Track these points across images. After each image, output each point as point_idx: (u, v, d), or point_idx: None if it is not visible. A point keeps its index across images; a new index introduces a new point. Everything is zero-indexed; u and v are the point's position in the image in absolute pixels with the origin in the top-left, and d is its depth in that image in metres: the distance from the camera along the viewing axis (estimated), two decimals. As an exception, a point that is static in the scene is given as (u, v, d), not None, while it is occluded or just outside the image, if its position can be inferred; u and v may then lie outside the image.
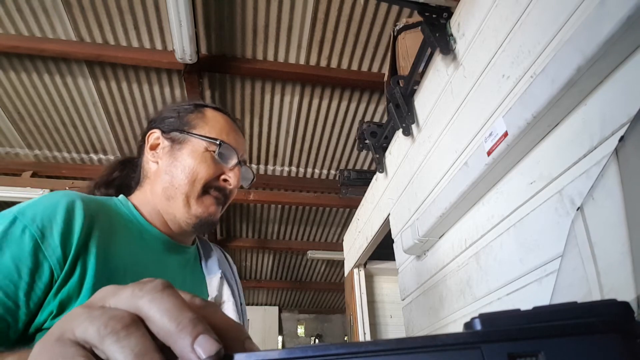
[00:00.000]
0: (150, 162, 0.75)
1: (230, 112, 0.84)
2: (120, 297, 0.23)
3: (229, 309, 0.75)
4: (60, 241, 0.54)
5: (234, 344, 0.23)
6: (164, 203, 0.72)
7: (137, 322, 0.21)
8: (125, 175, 0.82)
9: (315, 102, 3.00)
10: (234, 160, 0.75)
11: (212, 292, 0.75)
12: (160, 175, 0.73)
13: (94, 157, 3.47)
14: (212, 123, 0.77)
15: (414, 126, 1.44)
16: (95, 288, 0.52)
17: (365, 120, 2.21)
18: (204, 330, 0.21)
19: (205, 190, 0.72)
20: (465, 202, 1.03)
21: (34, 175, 3.38)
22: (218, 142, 0.73)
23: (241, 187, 0.82)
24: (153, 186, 0.74)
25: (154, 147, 0.75)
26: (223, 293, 0.77)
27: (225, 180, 0.74)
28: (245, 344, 0.24)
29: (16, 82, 2.77)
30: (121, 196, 0.73)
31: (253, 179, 0.84)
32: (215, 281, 0.77)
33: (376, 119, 3.11)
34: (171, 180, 0.71)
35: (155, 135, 0.76)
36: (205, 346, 0.20)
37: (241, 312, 0.81)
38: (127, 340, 0.20)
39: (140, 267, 0.63)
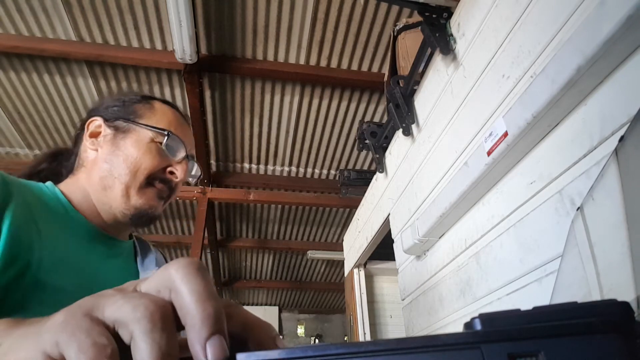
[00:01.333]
0: (89, 150, 0.71)
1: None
2: (155, 278, 0.23)
3: None
4: None
5: (266, 340, 0.24)
6: (99, 192, 0.69)
7: (172, 317, 0.21)
8: (55, 167, 0.78)
9: (315, 102, 3.00)
10: (181, 153, 0.74)
11: None
12: (98, 163, 0.70)
13: (94, 157, 3.47)
14: (160, 115, 0.75)
15: (414, 126, 1.44)
16: (2, 259, 0.50)
17: (365, 120, 2.21)
18: (221, 330, 0.21)
19: (149, 182, 0.70)
20: (465, 202, 1.03)
21: (34, 175, 3.38)
22: (166, 133, 0.71)
23: (187, 183, 0.82)
24: (89, 175, 0.70)
25: (94, 135, 0.72)
26: None
27: (171, 172, 0.72)
28: (277, 341, 0.25)
29: (16, 82, 2.77)
30: (48, 182, 0.69)
31: (200, 176, 0.83)
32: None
33: (376, 119, 3.11)
34: (110, 169, 0.68)
35: (96, 122, 0.73)
36: (216, 349, 0.20)
37: None
38: (159, 334, 0.20)
39: (59, 251, 0.59)
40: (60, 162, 0.78)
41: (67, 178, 0.73)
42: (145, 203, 0.69)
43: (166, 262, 0.84)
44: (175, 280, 0.22)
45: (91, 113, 0.75)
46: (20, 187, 0.59)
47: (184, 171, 0.73)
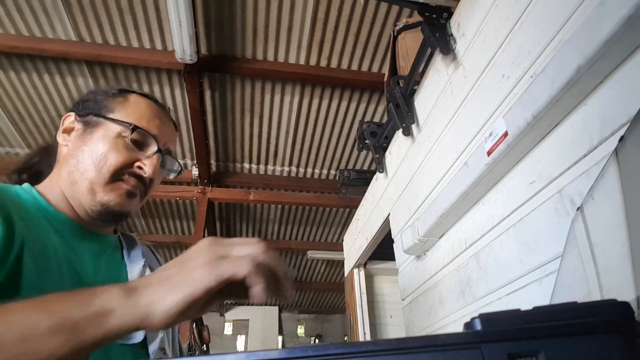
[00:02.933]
0: (62, 146, 0.71)
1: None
2: (245, 247, 0.44)
3: None
4: None
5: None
6: (68, 188, 0.67)
7: None
8: (45, 161, 0.77)
9: (315, 102, 3.00)
10: (152, 148, 0.70)
11: (133, 279, 0.70)
12: (67, 159, 0.69)
13: (94, 157, 3.47)
14: (132, 108, 0.72)
15: (414, 126, 1.44)
16: None
17: (365, 120, 2.21)
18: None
19: (116, 177, 0.67)
20: (465, 202, 1.03)
21: (34, 175, 3.38)
22: (131, 127, 0.68)
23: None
24: (60, 170, 0.69)
25: (67, 131, 0.71)
26: None
27: (139, 167, 0.69)
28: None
29: (16, 82, 2.77)
30: (25, 185, 0.68)
31: (180, 172, 0.80)
32: (137, 269, 0.73)
33: (376, 119, 3.11)
34: (76, 164, 0.67)
35: (70, 118, 0.72)
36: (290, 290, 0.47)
37: None
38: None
39: (46, 254, 0.59)
40: (50, 159, 0.76)
41: (47, 178, 0.72)
42: (112, 199, 0.66)
43: (153, 253, 0.85)
44: (259, 257, 0.44)
45: (70, 109, 0.74)
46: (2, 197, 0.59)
47: (153, 166, 0.69)
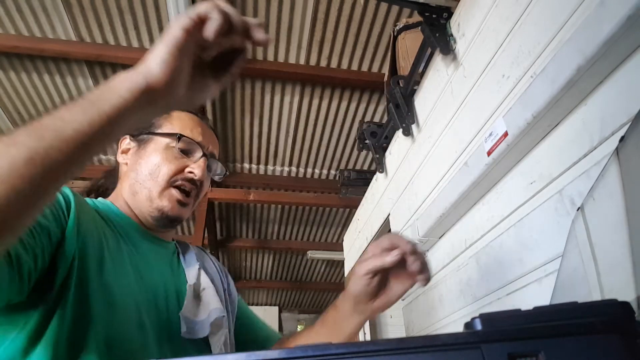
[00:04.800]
0: (122, 165, 0.81)
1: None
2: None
3: (210, 294, 0.78)
4: (63, 214, 0.60)
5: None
6: (131, 198, 0.76)
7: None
8: (109, 180, 0.88)
9: (315, 102, 3.00)
10: (198, 154, 0.79)
11: (191, 280, 0.78)
12: (128, 173, 0.78)
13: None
14: (176, 121, 0.81)
15: (414, 126, 1.44)
16: (78, 264, 0.58)
17: (365, 120, 2.21)
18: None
19: (171, 184, 0.75)
20: (465, 202, 1.03)
21: (34, 175, 3.38)
22: (177, 136, 0.77)
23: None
24: (123, 185, 0.79)
25: (124, 152, 0.81)
26: (201, 281, 0.80)
27: (190, 172, 0.77)
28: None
29: (16, 82, 2.77)
30: (99, 199, 0.79)
31: (225, 174, 0.87)
32: (194, 271, 0.80)
33: (376, 119, 3.11)
34: (136, 177, 0.76)
35: (126, 141, 0.82)
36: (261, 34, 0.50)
37: (225, 300, 0.85)
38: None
39: (120, 253, 0.68)
40: (113, 176, 0.87)
41: (112, 192, 0.82)
42: (166, 205, 0.74)
43: (205, 253, 0.93)
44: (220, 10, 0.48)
45: None
46: (84, 202, 0.68)
47: (201, 169, 0.76)
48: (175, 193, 0.75)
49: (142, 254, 0.73)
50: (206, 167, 0.79)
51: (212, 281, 0.82)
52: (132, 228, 0.75)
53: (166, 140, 0.77)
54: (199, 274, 0.81)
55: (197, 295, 0.76)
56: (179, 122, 0.81)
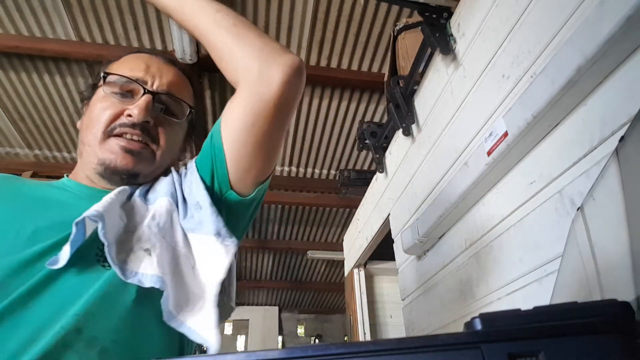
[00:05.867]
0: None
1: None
2: None
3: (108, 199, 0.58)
4: None
5: None
6: (80, 165, 0.67)
7: None
8: None
9: (315, 102, 3.00)
10: (139, 92, 0.65)
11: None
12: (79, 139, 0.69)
13: (94, 157, 3.47)
14: (116, 65, 0.69)
15: (414, 126, 1.44)
16: None
17: (365, 120, 2.21)
18: None
19: (110, 133, 0.64)
20: (465, 202, 1.03)
21: (34, 175, 3.38)
22: (102, 75, 0.65)
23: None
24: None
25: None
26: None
27: (128, 115, 0.64)
28: None
29: (16, 82, 2.77)
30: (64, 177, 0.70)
31: (189, 113, 0.72)
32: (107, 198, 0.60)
33: (376, 119, 3.11)
34: (82, 139, 0.67)
35: (85, 107, 0.71)
36: None
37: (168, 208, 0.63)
38: None
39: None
40: None
41: None
42: (108, 156, 0.63)
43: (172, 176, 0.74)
44: None
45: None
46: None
47: (140, 108, 0.63)
48: (116, 141, 0.63)
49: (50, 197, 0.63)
50: (150, 106, 0.65)
51: (134, 202, 0.63)
52: (84, 190, 0.65)
53: (103, 88, 0.67)
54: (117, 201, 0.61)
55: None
56: (119, 65, 0.69)
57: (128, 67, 0.67)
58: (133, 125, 0.64)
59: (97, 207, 0.54)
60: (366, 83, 2.79)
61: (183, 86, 0.73)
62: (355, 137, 3.21)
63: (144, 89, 0.65)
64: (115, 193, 0.59)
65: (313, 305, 7.33)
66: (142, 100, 0.64)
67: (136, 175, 0.65)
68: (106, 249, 0.51)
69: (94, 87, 0.69)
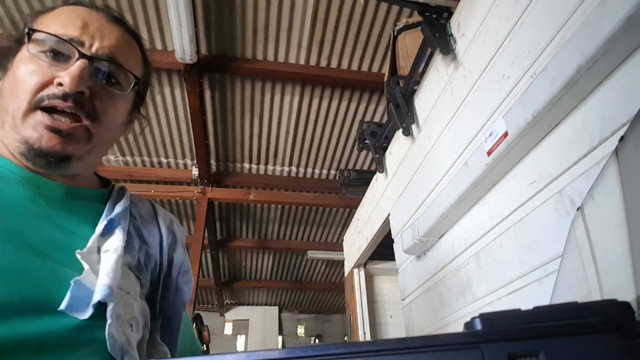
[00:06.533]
0: None
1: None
2: None
3: (109, 259, 0.52)
4: None
5: None
6: (3, 136, 0.54)
7: None
8: None
9: (315, 102, 3.00)
10: (73, 56, 0.54)
11: (89, 243, 0.53)
12: None
13: (94, 157, 3.47)
14: (48, 17, 0.57)
15: (414, 126, 1.44)
16: None
17: (365, 120, 2.21)
18: None
19: (37, 105, 0.52)
20: (465, 202, 1.03)
21: (34, 175, 3.38)
22: (27, 32, 0.53)
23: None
24: None
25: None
26: (107, 243, 0.55)
27: (59, 83, 0.52)
28: None
29: (16, 82, 2.77)
30: None
31: (135, 84, 0.60)
32: (98, 230, 0.55)
33: (376, 119, 3.11)
34: (5, 105, 0.54)
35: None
36: None
37: (144, 267, 0.61)
38: None
39: None
40: None
41: None
42: (33, 135, 0.52)
43: (155, 215, 0.69)
44: None
45: None
46: None
47: (71, 75, 0.51)
48: (42, 117, 0.51)
49: (16, 205, 0.50)
50: (86, 73, 0.53)
51: (134, 245, 0.59)
52: (14, 172, 0.53)
53: (27, 46, 0.54)
54: (108, 234, 0.57)
55: (97, 262, 0.53)
56: (50, 18, 0.56)
57: (60, 22, 0.55)
58: (64, 97, 0.52)
59: (108, 280, 0.49)
60: (366, 83, 2.79)
61: (128, 50, 0.61)
62: (355, 137, 3.21)
63: (79, 52, 0.53)
64: (102, 226, 0.54)
65: (313, 305, 7.34)
66: (76, 66, 0.52)
67: (68, 158, 0.54)
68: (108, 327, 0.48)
69: (19, 43, 0.56)
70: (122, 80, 0.59)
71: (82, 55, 0.53)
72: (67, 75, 0.52)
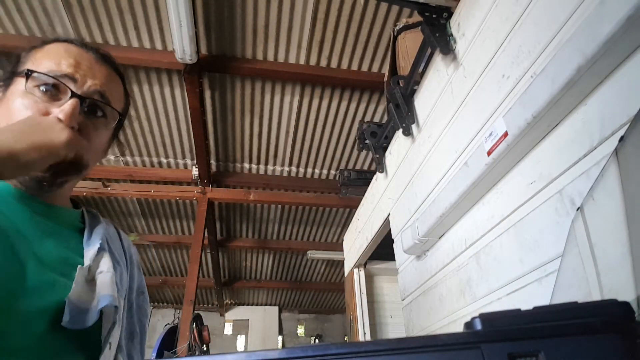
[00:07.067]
0: None
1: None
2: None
3: (106, 279, 0.60)
4: None
5: None
6: None
7: None
8: None
9: (315, 102, 3.00)
10: (66, 94, 0.59)
11: (87, 262, 0.61)
12: None
13: (94, 157, 3.47)
14: (41, 54, 0.62)
15: (414, 126, 1.44)
16: None
17: (365, 120, 2.21)
18: None
19: None
20: (465, 202, 1.03)
21: (34, 175, 3.38)
22: (25, 72, 0.58)
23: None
24: None
25: None
26: (100, 264, 0.62)
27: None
28: None
29: (16, 82, 2.77)
30: None
31: (119, 121, 0.67)
32: (92, 252, 0.63)
33: (376, 119, 3.11)
34: None
35: None
36: None
37: (123, 287, 0.67)
38: None
39: None
40: None
41: None
42: None
43: (119, 236, 0.75)
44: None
45: None
46: None
47: (66, 114, 0.57)
48: None
49: (18, 226, 0.56)
50: (77, 111, 0.58)
51: (114, 267, 0.65)
52: (8, 194, 0.58)
53: (23, 81, 0.59)
54: (99, 256, 0.63)
55: (92, 280, 0.60)
56: (45, 55, 0.61)
57: (55, 60, 0.61)
58: None
59: (111, 290, 0.59)
60: (366, 83, 2.79)
61: (115, 88, 0.67)
62: (355, 137, 3.21)
63: (72, 91, 0.59)
64: (96, 248, 0.63)
65: (313, 305, 7.34)
66: (69, 105, 0.58)
67: (60, 184, 0.61)
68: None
69: (13, 74, 0.61)
70: (108, 114, 0.65)
71: (74, 95, 0.59)
72: (60, 113, 0.57)
